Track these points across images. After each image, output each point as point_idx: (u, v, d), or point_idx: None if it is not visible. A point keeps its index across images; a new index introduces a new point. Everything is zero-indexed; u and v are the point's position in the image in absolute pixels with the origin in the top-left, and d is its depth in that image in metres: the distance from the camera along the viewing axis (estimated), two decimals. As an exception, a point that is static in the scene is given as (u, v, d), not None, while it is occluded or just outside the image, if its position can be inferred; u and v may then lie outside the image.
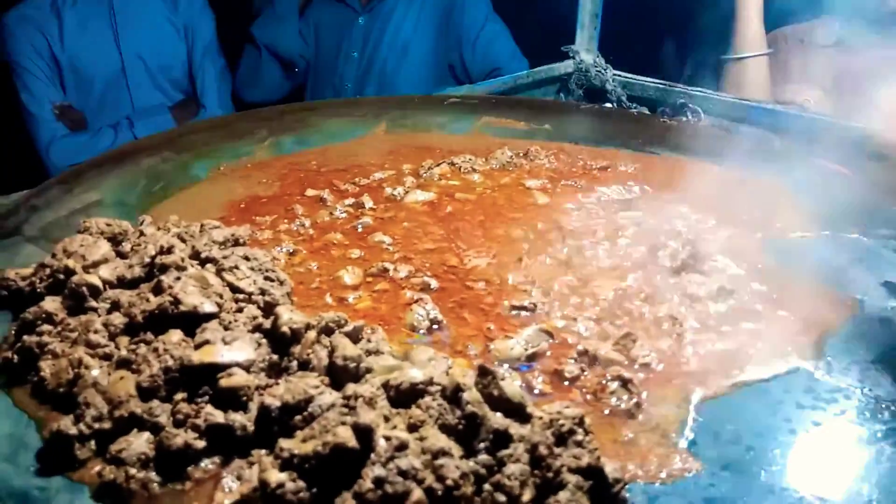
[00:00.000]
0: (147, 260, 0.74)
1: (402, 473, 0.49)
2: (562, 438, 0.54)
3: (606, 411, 0.64)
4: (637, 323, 0.76)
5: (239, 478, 0.55)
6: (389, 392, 0.56)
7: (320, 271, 0.86)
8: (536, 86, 1.69)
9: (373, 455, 0.50)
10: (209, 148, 1.21)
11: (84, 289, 0.70)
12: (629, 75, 1.62)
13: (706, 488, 0.57)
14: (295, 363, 0.62)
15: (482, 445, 0.52)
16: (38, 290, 0.73)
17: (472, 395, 0.53)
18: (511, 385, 0.55)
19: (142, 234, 0.80)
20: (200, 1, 2.34)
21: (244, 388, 0.58)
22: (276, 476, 0.50)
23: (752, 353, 0.73)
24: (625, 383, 0.66)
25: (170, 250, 0.73)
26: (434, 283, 0.83)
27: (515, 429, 0.53)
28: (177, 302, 0.64)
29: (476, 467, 0.51)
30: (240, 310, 0.66)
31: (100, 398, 0.60)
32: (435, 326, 0.75)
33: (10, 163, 2.21)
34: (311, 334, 0.62)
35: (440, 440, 0.51)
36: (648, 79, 1.58)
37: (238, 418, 0.57)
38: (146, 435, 0.57)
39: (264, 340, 0.63)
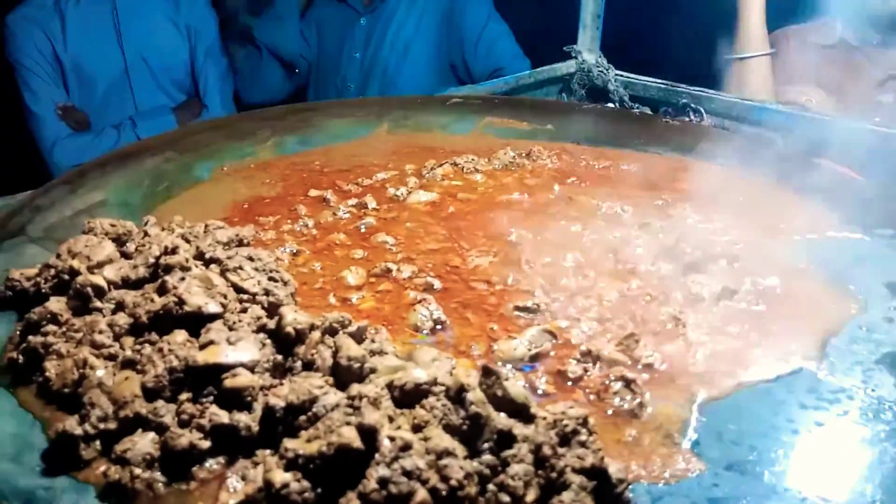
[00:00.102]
0: (151, 260, 0.74)
1: (407, 473, 0.49)
2: (565, 439, 0.54)
3: (610, 412, 0.65)
4: (640, 323, 0.76)
5: (244, 478, 0.55)
6: (393, 392, 0.56)
7: (324, 272, 0.86)
8: (539, 86, 1.69)
9: (377, 455, 0.50)
10: (212, 148, 1.21)
11: (89, 289, 0.70)
12: (631, 75, 1.62)
13: (709, 488, 0.57)
14: (299, 363, 0.62)
15: (486, 446, 0.52)
16: (43, 290, 0.73)
17: (475, 395, 0.53)
18: (515, 385, 0.55)
19: (146, 234, 0.80)
20: (203, 1, 2.35)
21: (249, 388, 0.58)
22: (280, 476, 0.50)
23: (755, 354, 0.73)
24: (628, 384, 0.66)
25: (174, 251, 0.74)
26: (437, 284, 0.83)
27: (519, 429, 0.53)
28: (181, 302, 0.64)
29: (480, 467, 0.51)
30: (244, 310, 0.66)
31: (105, 398, 0.60)
32: (438, 327, 0.75)
33: (14, 163, 2.22)
34: (316, 335, 0.62)
35: (444, 440, 0.51)
36: (651, 79, 1.58)
37: (243, 418, 0.57)
38: (151, 435, 0.57)
39: (268, 341, 0.63)
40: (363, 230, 0.97)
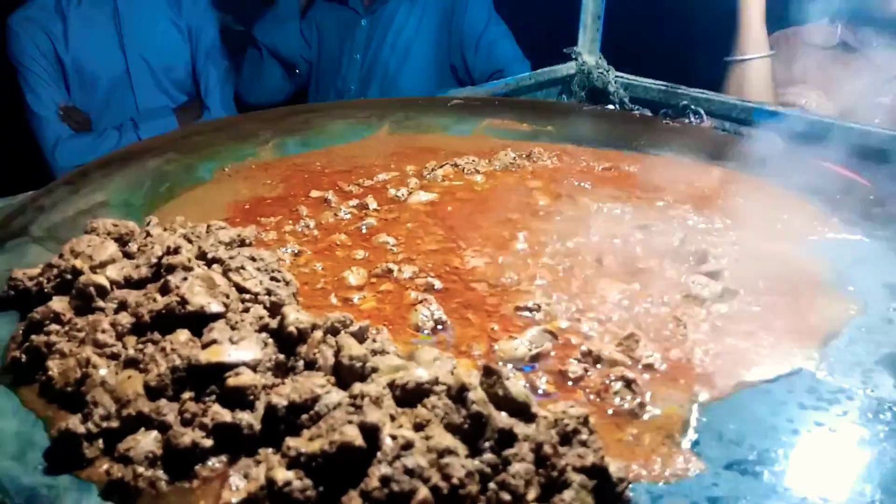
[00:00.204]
0: (154, 260, 0.75)
1: (409, 472, 0.50)
2: (566, 438, 0.54)
3: (610, 411, 0.65)
4: (641, 324, 0.77)
5: (246, 476, 0.56)
6: (395, 391, 0.57)
7: (325, 272, 0.86)
8: (539, 87, 1.69)
9: (379, 454, 0.50)
10: (214, 149, 1.22)
11: (91, 289, 0.70)
12: (631, 77, 1.62)
13: (709, 488, 0.57)
14: (301, 363, 0.62)
15: (487, 444, 0.52)
16: (46, 290, 0.74)
17: (477, 394, 0.53)
18: (516, 385, 0.55)
19: (148, 234, 0.81)
20: (204, 2, 2.35)
21: (251, 387, 0.59)
22: (283, 474, 0.50)
23: (755, 354, 0.73)
24: (628, 384, 0.66)
25: (176, 251, 0.74)
26: (438, 284, 0.83)
27: (520, 428, 0.53)
28: (184, 302, 0.64)
29: (481, 466, 0.51)
30: (246, 310, 0.66)
31: (107, 397, 0.60)
32: (439, 327, 0.76)
33: (15, 164, 2.22)
34: (318, 334, 0.63)
35: (446, 439, 0.52)
36: (651, 80, 1.58)
37: (245, 417, 0.57)
38: (154, 434, 0.57)
39: (271, 340, 0.64)
40: (364, 231, 0.97)
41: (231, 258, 0.72)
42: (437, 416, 0.54)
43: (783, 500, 0.57)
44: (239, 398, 0.58)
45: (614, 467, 0.54)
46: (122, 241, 0.80)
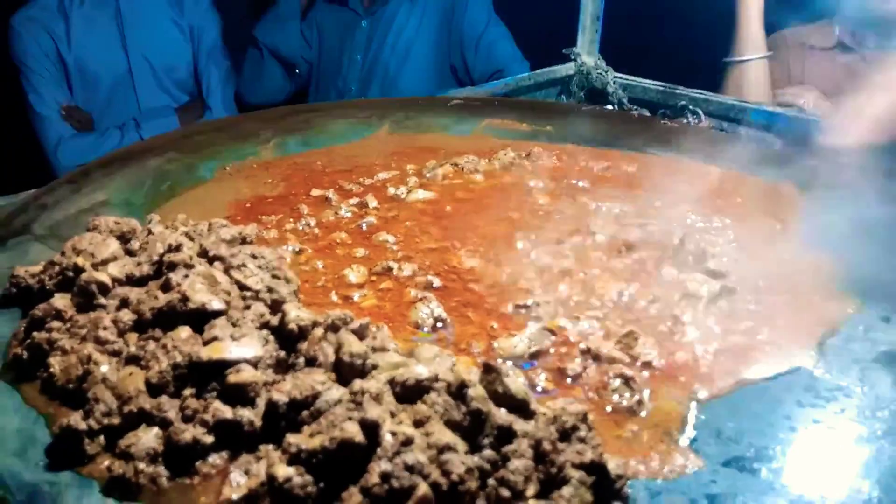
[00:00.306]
0: (155, 258, 0.75)
1: (408, 468, 0.50)
2: (565, 434, 0.54)
3: (609, 408, 0.65)
4: (640, 321, 0.77)
5: (247, 472, 0.56)
6: (395, 388, 0.57)
7: (326, 270, 0.87)
8: (538, 88, 1.70)
9: (379, 450, 0.51)
10: (215, 149, 1.22)
11: (93, 286, 0.70)
12: (630, 77, 1.62)
13: (707, 485, 0.58)
14: (302, 359, 0.62)
15: (487, 441, 0.53)
16: (48, 287, 0.74)
17: (476, 391, 0.54)
18: (515, 381, 0.56)
19: (150, 232, 0.81)
20: (206, 2, 2.36)
21: (252, 383, 0.59)
22: (283, 470, 0.51)
23: (753, 352, 0.74)
24: (627, 381, 0.67)
25: (178, 248, 0.74)
26: (438, 282, 0.84)
27: (520, 425, 0.54)
28: (185, 299, 0.65)
29: (481, 462, 0.52)
30: (247, 307, 0.67)
31: (109, 394, 0.60)
32: (439, 324, 0.76)
33: (18, 163, 2.22)
34: (318, 331, 0.63)
35: (445, 435, 0.52)
36: (649, 81, 1.59)
37: (246, 414, 0.58)
38: (155, 430, 0.58)
39: (272, 337, 0.64)
40: (364, 229, 0.97)
41: (232, 256, 0.73)
42: (437, 412, 0.54)
43: (781, 497, 0.57)
44: (240, 395, 0.59)
45: (613, 464, 0.54)
46: (123, 238, 0.81)
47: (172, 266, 0.71)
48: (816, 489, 0.58)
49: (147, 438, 0.57)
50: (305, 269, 0.87)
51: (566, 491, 0.52)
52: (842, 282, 0.87)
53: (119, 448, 0.57)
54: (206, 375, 0.60)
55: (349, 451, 0.51)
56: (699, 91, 1.50)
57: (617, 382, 0.67)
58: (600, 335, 0.74)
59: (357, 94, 2.35)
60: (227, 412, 0.58)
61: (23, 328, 0.71)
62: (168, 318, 0.65)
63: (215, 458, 0.57)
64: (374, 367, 0.60)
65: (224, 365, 0.60)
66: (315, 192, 1.08)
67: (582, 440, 0.54)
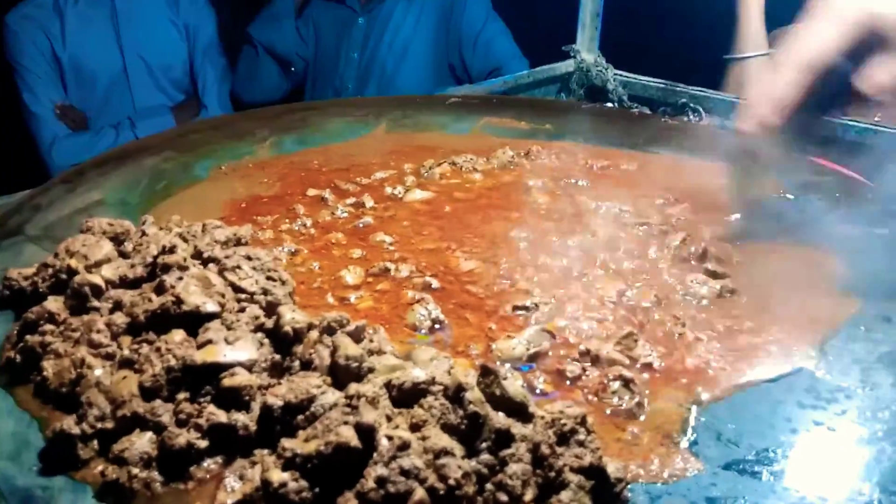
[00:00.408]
0: (149, 260, 0.74)
1: (405, 473, 0.49)
2: (564, 438, 0.54)
3: (608, 411, 0.65)
4: (640, 323, 0.76)
5: (241, 477, 0.55)
6: (392, 392, 0.56)
7: (322, 271, 0.86)
8: (537, 85, 1.69)
9: (375, 454, 0.50)
10: (210, 148, 1.21)
11: (86, 288, 0.70)
12: (630, 75, 1.62)
13: (707, 488, 0.57)
14: (297, 363, 0.62)
15: (484, 445, 0.52)
16: (41, 289, 0.73)
17: (474, 394, 0.53)
18: (513, 384, 0.55)
19: (144, 233, 0.80)
20: (202, 1, 2.35)
21: (246, 387, 0.58)
22: (278, 475, 0.50)
23: (754, 353, 0.73)
24: (626, 383, 0.66)
25: (172, 250, 0.73)
26: (435, 283, 0.83)
27: (518, 428, 0.53)
28: (179, 302, 0.64)
29: (478, 467, 0.51)
30: (242, 309, 0.66)
31: (102, 398, 0.60)
32: (437, 326, 0.75)
33: (12, 163, 2.22)
34: (314, 334, 0.62)
35: (442, 440, 0.51)
36: (649, 78, 1.58)
37: (240, 418, 0.57)
38: (149, 435, 0.57)
39: (266, 340, 0.63)
40: (361, 229, 0.97)
41: (227, 257, 0.72)
42: (434, 416, 0.54)
43: (782, 500, 0.56)
44: (234, 399, 0.58)
45: (612, 467, 0.54)
46: (117, 240, 0.80)
47: (166, 268, 0.70)
48: (817, 491, 0.57)
49: (141, 443, 0.57)
50: (301, 270, 0.86)
51: (565, 495, 0.52)
52: (842, 282, 0.86)
53: (113, 453, 0.57)
54: (201, 379, 0.59)
55: (345, 455, 0.50)
56: (700, 88, 1.49)
57: (617, 385, 0.66)
58: (600, 337, 0.74)
59: (354, 93, 2.34)
60: (221, 416, 0.57)
61: (16, 331, 0.71)
62: (162, 321, 0.64)
63: (210, 463, 0.57)
64: (371, 370, 0.59)
65: (218, 368, 0.59)
66: (311, 192, 1.07)
67: (581, 444, 0.54)
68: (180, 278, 0.68)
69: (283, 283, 0.73)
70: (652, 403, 0.66)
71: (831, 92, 0.85)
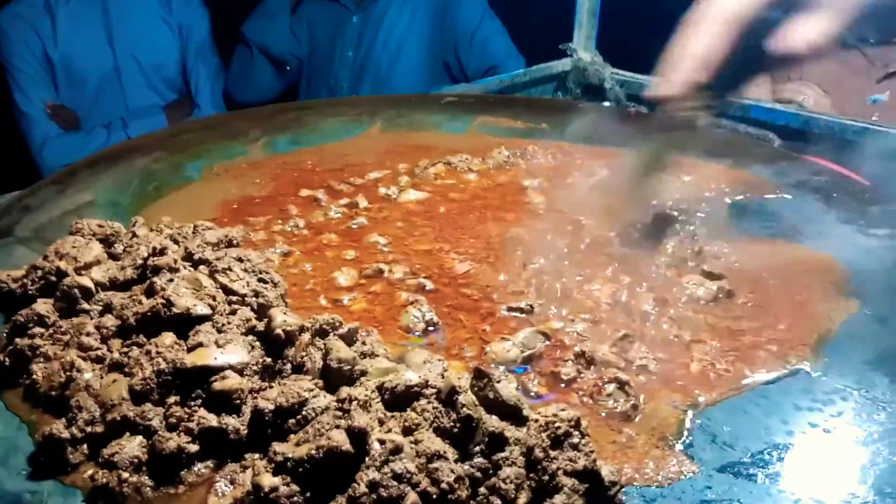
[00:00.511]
0: (139, 262, 0.74)
1: (397, 477, 0.49)
2: (557, 441, 0.53)
3: (603, 413, 0.64)
4: (635, 324, 0.76)
5: (232, 482, 0.55)
6: (384, 395, 0.56)
7: (314, 272, 0.85)
8: (533, 84, 1.69)
9: (367, 458, 0.50)
10: (203, 148, 1.20)
11: (76, 291, 0.69)
12: (627, 73, 1.61)
13: (703, 491, 0.57)
14: (289, 366, 0.61)
15: (477, 448, 0.52)
16: (30, 292, 0.73)
17: (467, 397, 0.53)
18: (507, 387, 0.55)
19: (134, 235, 0.79)
20: (195, 0, 2.34)
21: (237, 391, 0.58)
22: (269, 480, 0.50)
23: (750, 355, 0.73)
24: (622, 385, 0.66)
25: (162, 252, 0.73)
26: (429, 285, 0.82)
27: (511, 432, 0.53)
28: (169, 304, 0.63)
29: (471, 470, 0.51)
30: (233, 312, 0.65)
31: (92, 401, 0.59)
32: (430, 328, 0.75)
33: (3, 163, 2.20)
34: (305, 337, 0.62)
35: (435, 443, 0.51)
36: (646, 77, 1.57)
37: (231, 422, 0.57)
38: (139, 439, 0.57)
39: (258, 343, 0.63)
40: (355, 230, 0.96)
41: (218, 259, 0.71)
42: (427, 419, 0.53)
43: (777, 503, 0.56)
44: (225, 402, 0.57)
45: (607, 470, 0.53)
46: (107, 242, 0.79)
47: (157, 270, 0.70)
48: (813, 494, 0.57)
49: (131, 447, 0.56)
50: (294, 271, 0.85)
51: (558, 499, 0.51)
52: (839, 283, 0.86)
53: (102, 457, 0.56)
54: (191, 382, 0.59)
55: (336, 459, 0.49)
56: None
57: (612, 387, 0.66)
58: (595, 338, 0.73)
59: (348, 92, 2.33)
60: (212, 420, 0.57)
61: (5, 334, 0.70)
62: (152, 324, 0.64)
63: (200, 467, 0.56)
64: (363, 373, 0.59)
65: (209, 372, 0.59)
66: (304, 193, 1.06)
67: (575, 447, 0.53)
68: (171, 280, 0.67)
69: (275, 284, 0.72)
70: (647, 406, 0.65)
71: (752, 48, 0.78)
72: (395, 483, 0.49)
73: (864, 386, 0.69)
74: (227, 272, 0.69)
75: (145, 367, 0.59)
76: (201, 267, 0.72)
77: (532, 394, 0.66)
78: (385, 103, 1.43)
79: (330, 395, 0.56)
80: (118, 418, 0.57)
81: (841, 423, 0.65)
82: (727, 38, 0.77)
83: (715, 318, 0.78)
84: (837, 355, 0.73)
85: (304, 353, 0.61)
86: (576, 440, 0.53)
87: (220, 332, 0.62)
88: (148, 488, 0.55)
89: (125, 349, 0.63)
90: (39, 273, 0.73)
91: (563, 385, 0.67)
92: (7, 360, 0.67)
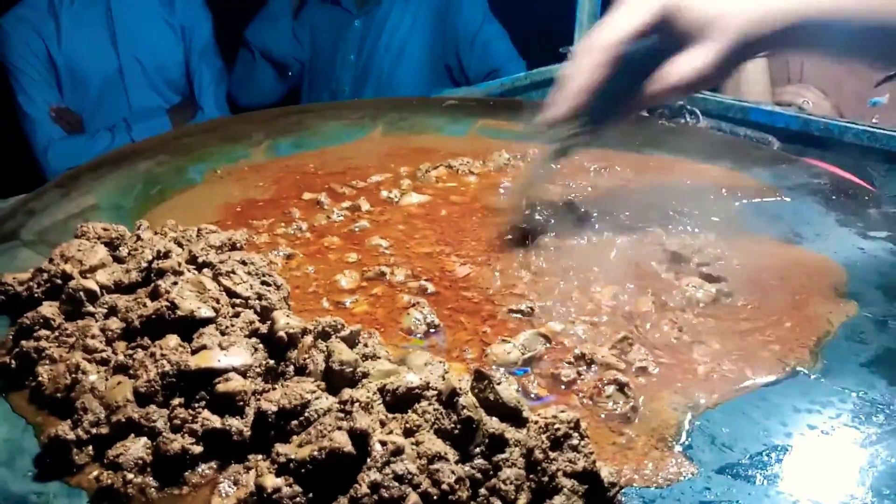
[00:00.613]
0: (144, 265, 0.74)
1: (398, 478, 0.49)
2: (557, 442, 0.54)
3: (603, 415, 0.65)
4: (635, 327, 0.76)
5: (235, 483, 0.55)
6: (385, 397, 0.56)
7: (317, 275, 0.86)
8: (534, 87, 1.69)
9: (369, 460, 0.50)
10: (205, 151, 1.21)
11: (81, 294, 0.70)
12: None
13: (701, 492, 0.57)
14: (291, 368, 0.62)
15: (478, 450, 0.52)
16: (36, 294, 0.73)
17: (467, 399, 0.53)
18: (507, 389, 0.55)
19: (139, 238, 0.80)
20: (198, 1, 2.35)
21: (241, 392, 0.58)
22: (272, 481, 0.50)
23: (749, 357, 0.73)
24: (621, 387, 0.66)
25: (167, 255, 0.73)
26: (431, 287, 0.83)
27: (511, 433, 0.53)
28: (174, 307, 0.64)
29: (472, 472, 0.51)
30: (236, 314, 0.66)
31: (97, 403, 0.60)
32: (432, 330, 0.75)
33: (7, 166, 2.21)
34: (308, 339, 0.62)
35: (436, 445, 0.51)
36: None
37: (235, 423, 0.57)
38: (143, 440, 0.57)
39: (261, 345, 0.63)
40: (357, 231, 0.97)
41: (221, 262, 0.72)
42: (428, 421, 0.54)
43: (775, 504, 0.56)
44: (228, 404, 0.58)
45: (606, 472, 0.54)
46: (112, 245, 0.80)
47: (161, 273, 0.70)
48: (811, 495, 0.57)
49: (135, 448, 0.57)
50: (297, 274, 0.86)
51: (558, 500, 0.52)
52: (838, 285, 0.87)
53: (107, 458, 0.57)
54: (195, 384, 0.59)
55: (338, 460, 0.50)
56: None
57: (611, 389, 0.66)
58: (595, 340, 0.74)
59: (350, 95, 2.34)
60: (215, 422, 0.57)
61: (11, 336, 0.71)
62: (156, 326, 0.64)
63: (204, 468, 0.57)
64: (365, 375, 0.60)
65: (213, 374, 0.59)
66: (307, 196, 1.07)
67: (574, 448, 0.54)
68: (175, 283, 0.68)
69: (278, 287, 0.73)
70: (647, 407, 0.66)
71: (630, 80, 0.83)
72: (397, 484, 0.49)
73: (862, 388, 0.70)
74: (231, 275, 0.70)
75: (150, 369, 0.60)
76: (205, 270, 0.73)
77: (532, 395, 0.67)
78: (387, 106, 1.44)
79: (332, 396, 0.56)
80: (123, 420, 0.58)
81: (839, 425, 0.65)
82: (601, 70, 0.82)
83: (714, 321, 0.79)
84: (837, 358, 0.74)
85: (306, 356, 0.61)
86: (575, 441, 0.54)
87: (223, 334, 0.63)
88: (152, 489, 0.56)
89: (130, 351, 0.64)
90: (45, 276, 0.74)
91: (563, 387, 0.68)
92: (13, 362, 0.67)
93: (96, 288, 0.71)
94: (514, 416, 0.55)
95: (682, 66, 0.81)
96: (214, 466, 0.57)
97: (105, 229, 0.81)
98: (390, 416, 0.55)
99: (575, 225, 0.95)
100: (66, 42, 2.13)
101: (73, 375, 0.63)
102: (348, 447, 0.50)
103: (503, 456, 0.52)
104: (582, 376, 0.69)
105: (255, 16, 2.39)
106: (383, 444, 0.51)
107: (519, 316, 0.78)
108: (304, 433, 0.53)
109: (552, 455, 0.53)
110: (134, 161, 1.15)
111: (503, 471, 0.51)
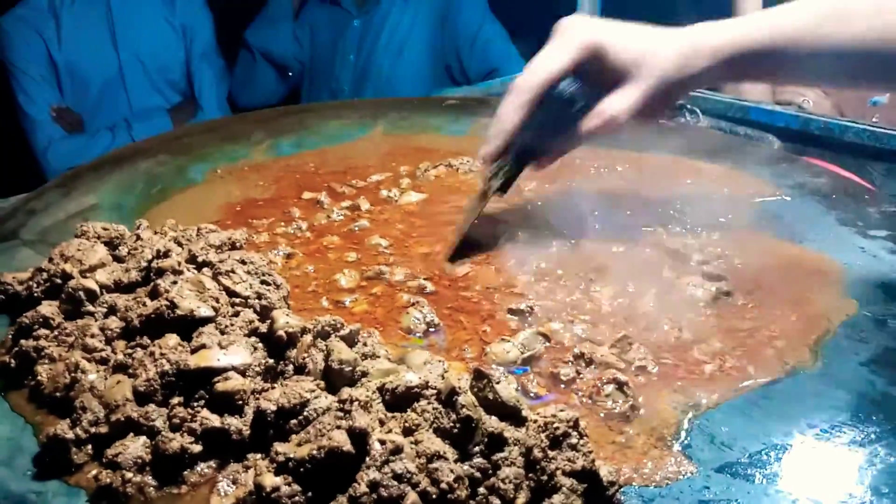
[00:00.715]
0: (144, 264, 0.74)
1: (397, 477, 0.49)
2: (556, 441, 0.54)
3: (602, 414, 0.65)
4: (634, 325, 0.76)
5: (234, 482, 0.55)
6: (385, 396, 0.56)
7: (317, 274, 0.86)
8: (534, 87, 1.69)
9: (368, 459, 0.50)
10: (206, 150, 1.21)
11: (81, 293, 0.70)
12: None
13: (700, 491, 0.57)
14: (291, 367, 0.62)
15: (477, 449, 0.52)
16: (36, 294, 0.73)
17: (467, 398, 0.53)
18: (506, 388, 0.55)
19: (138, 238, 0.80)
20: (199, 1, 2.35)
21: (240, 392, 0.58)
22: (271, 480, 0.50)
23: (749, 356, 0.73)
24: (620, 386, 0.66)
25: (166, 254, 0.74)
26: (430, 287, 0.83)
27: (510, 432, 0.53)
28: (173, 306, 0.64)
29: (471, 471, 0.51)
30: (236, 314, 0.66)
31: (96, 402, 0.60)
32: (431, 330, 0.75)
33: (7, 166, 2.22)
34: (307, 338, 0.62)
35: (435, 444, 0.51)
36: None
37: (234, 422, 0.57)
38: (142, 439, 0.57)
39: (260, 344, 0.63)
40: (356, 231, 0.97)
41: (221, 261, 0.72)
42: (427, 420, 0.54)
43: (774, 503, 0.56)
44: (228, 403, 0.58)
45: (605, 471, 0.54)
46: (111, 244, 0.80)
47: (160, 272, 0.70)
48: (810, 494, 0.57)
49: (134, 447, 0.57)
50: (296, 273, 0.86)
51: (557, 499, 0.52)
52: (838, 284, 0.87)
53: (106, 457, 0.57)
54: (194, 383, 0.59)
55: (337, 459, 0.50)
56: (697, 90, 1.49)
57: (610, 388, 0.66)
58: (594, 339, 0.74)
59: (350, 95, 2.35)
60: (214, 421, 0.57)
61: (10, 336, 0.71)
62: (156, 326, 0.64)
63: (203, 468, 0.57)
64: (364, 374, 0.60)
65: (212, 373, 0.59)
66: (307, 195, 1.07)
67: (573, 447, 0.54)
68: (174, 283, 0.68)
69: (278, 287, 0.73)
70: (646, 406, 0.66)
71: (561, 118, 0.84)
72: (396, 483, 0.49)
73: (862, 387, 0.69)
74: (231, 274, 0.70)
75: (149, 368, 0.60)
76: (205, 269, 0.73)
77: (531, 394, 0.67)
78: (387, 106, 1.44)
79: (331, 395, 0.56)
80: (122, 419, 0.58)
81: (838, 424, 0.65)
82: (525, 109, 0.83)
83: (715, 319, 0.79)
84: (836, 356, 0.74)
85: (305, 355, 0.61)
86: (574, 440, 0.54)
87: (223, 333, 0.63)
88: (151, 488, 0.56)
89: (129, 350, 0.64)
90: (45, 275, 0.74)
91: (562, 386, 0.68)
92: (12, 361, 0.67)
93: (96, 287, 0.71)
94: (513, 415, 0.55)
95: (614, 105, 0.82)
96: (213, 465, 0.57)
97: (105, 229, 0.81)
98: (389, 415, 0.55)
99: (574, 224, 0.95)
100: (66, 42, 2.13)
101: (73, 374, 0.63)
102: (347, 446, 0.50)
103: (502, 455, 0.52)
104: (581, 375, 0.69)
105: (255, 17, 2.39)
106: (382, 442, 0.51)
107: (519, 315, 0.78)
108: (303, 432, 0.53)
109: (551, 454, 0.53)
110: (134, 161, 1.15)
111: (502, 470, 0.52)
